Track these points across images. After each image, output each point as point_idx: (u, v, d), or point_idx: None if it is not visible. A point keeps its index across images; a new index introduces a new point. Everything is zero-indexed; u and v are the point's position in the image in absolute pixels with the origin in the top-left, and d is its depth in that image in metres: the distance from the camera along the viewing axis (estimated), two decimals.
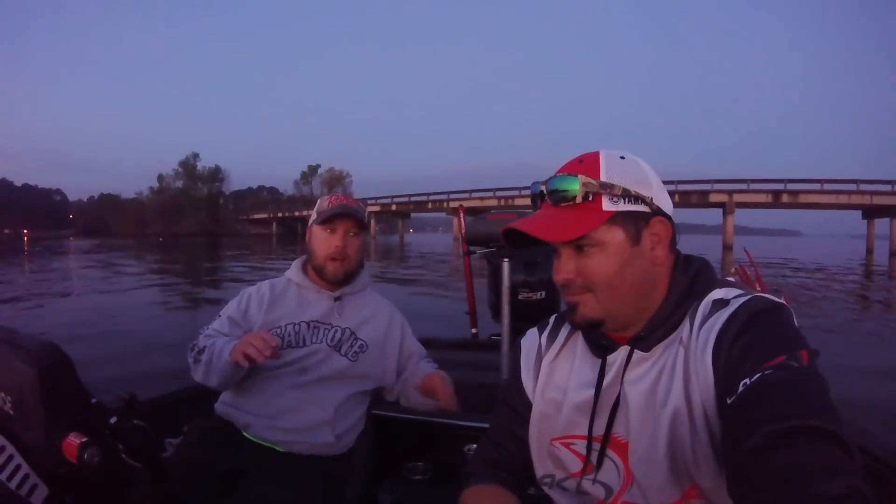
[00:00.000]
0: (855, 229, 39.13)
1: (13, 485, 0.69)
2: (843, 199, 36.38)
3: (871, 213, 36.91)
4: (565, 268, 0.77)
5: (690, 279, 0.77)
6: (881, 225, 36.44)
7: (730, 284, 0.77)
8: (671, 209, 0.79)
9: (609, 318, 0.77)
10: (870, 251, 34.91)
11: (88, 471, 0.69)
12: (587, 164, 0.77)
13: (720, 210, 37.52)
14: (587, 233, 0.74)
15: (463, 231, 2.47)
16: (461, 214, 2.72)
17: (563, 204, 0.76)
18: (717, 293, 0.75)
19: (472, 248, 2.49)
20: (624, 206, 0.75)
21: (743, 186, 37.93)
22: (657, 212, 0.76)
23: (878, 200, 35.50)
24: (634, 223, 0.75)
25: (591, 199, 0.75)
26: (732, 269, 1.60)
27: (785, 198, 36.92)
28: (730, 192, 37.30)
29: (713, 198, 37.39)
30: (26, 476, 0.70)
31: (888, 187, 35.44)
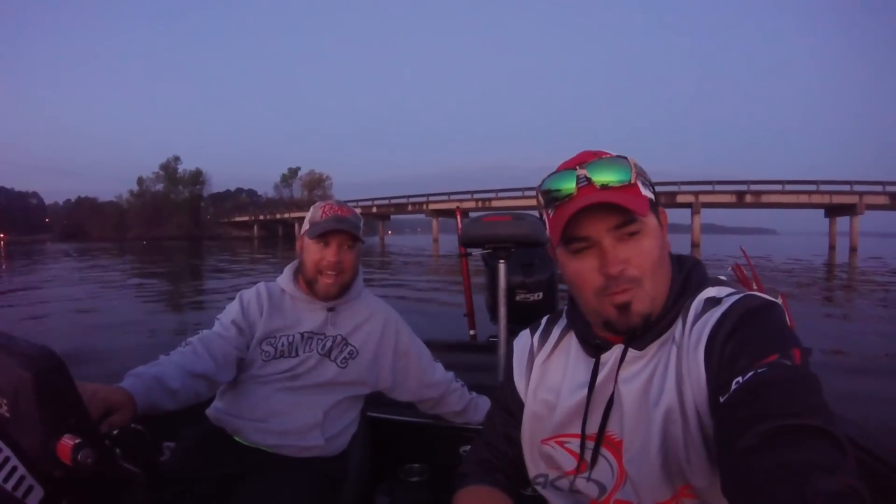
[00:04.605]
0: (825, 227, 40.32)
1: (9, 486, 0.71)
2: (803, 198, 37.70)
3: (832, 211, 38.28)
4: (617, 258, 0.72)
5: (683, 278, 0.78)
6: (844, 223, 37.67)
7: (722, 283, 0.78)
8: None
9: (654, 309, 0.75)
10: (832, 248, 36.33)
11: (83, 472, 0.71)
12: (607, 157, 0.76)
13: (688, 210, 38.66)
14: (646, 208, 0.73)
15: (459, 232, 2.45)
16: (458, 216, 2.71)
17: (613, 186, 0.74)
18: (710, 291, 0.75)
19: (469, 250, 2.47)
20: (650, 194, 0.76)
21: (708, 188, 39.15)
22: (659, 202, 0.79)
23: (837, 200, 36.83)
24: (656, 210, 0.77)
25: (634, 183, 0.75)
26: (729, 268, 1.55)
27: (748, 198, 38.24)
28: (696, 193, 38.44)
29: (680, 198, 38.52)
30: (22, 478, 0.72)
31: (847, 187, 36.85)
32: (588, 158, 0.77)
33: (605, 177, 0.74)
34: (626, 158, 0.75)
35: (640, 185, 0.75)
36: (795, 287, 12.41)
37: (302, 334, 1.43)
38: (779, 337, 0.66)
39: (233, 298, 1.49)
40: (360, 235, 1.45)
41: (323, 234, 1.40)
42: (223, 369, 1.34)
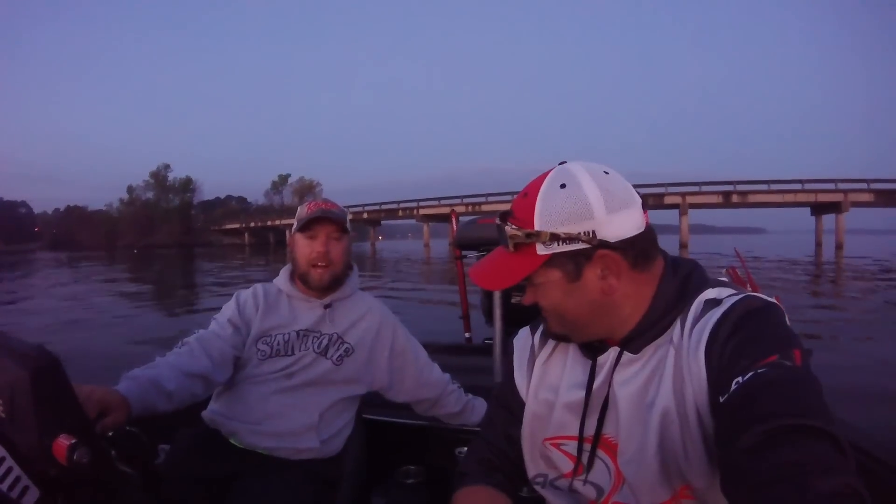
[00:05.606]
0: (812, 225, 40.82)
1: (5, 487, 0.70)
2: (789, 197, 38.22)
3: (818, 209, 38.72)
4: (526, 297, 0.81)
5: (680, 283, 0.77)
6: (829, 220, 38.09)
7: (722, 284, 0.78)
8: (634, 227, 0.74)
9: (571, 334, 0.81)
10: (818, 245, 36.87)
11: (78, 472, 0.70)
12: (528, 202, 0.76)
13: (676, 211, 39.21)
14: (520, 280, 0.76)
15: (455, 235, 2.48)
16: (453, 219, 2.74)
17: (506, 247, 0.78)
18: (710, 293, 0.75)
19: (464, 252, 2.49)
20: (558, 249, 0.73)
21: (695, 189, 39.69)
22: (601, 244, 0.73)
23: (823, 198, 37.24)
24: (573, 261, 0.74)
25: (520, 246, 0.76)
26: (724, 270, 1.57)
27: (735, 198, 38.81)
28: (683, 195, 39.04)
29: (668, 200, 39.15)
30: (18, 478, 0.71)
31: (831, 185, 37.26)
32: (512, 208, 0.80)
33: (504, 239, 0.78)
34: (509, 227, 0.76)
35: (537, 244, 0.75)
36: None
37: (298, 332, 1.43)
38: (779, 337, 0.67)
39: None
40: (347, 227, 1.48)
41: (309, 225, 1.43)
42: (220, 369, 1.35)
